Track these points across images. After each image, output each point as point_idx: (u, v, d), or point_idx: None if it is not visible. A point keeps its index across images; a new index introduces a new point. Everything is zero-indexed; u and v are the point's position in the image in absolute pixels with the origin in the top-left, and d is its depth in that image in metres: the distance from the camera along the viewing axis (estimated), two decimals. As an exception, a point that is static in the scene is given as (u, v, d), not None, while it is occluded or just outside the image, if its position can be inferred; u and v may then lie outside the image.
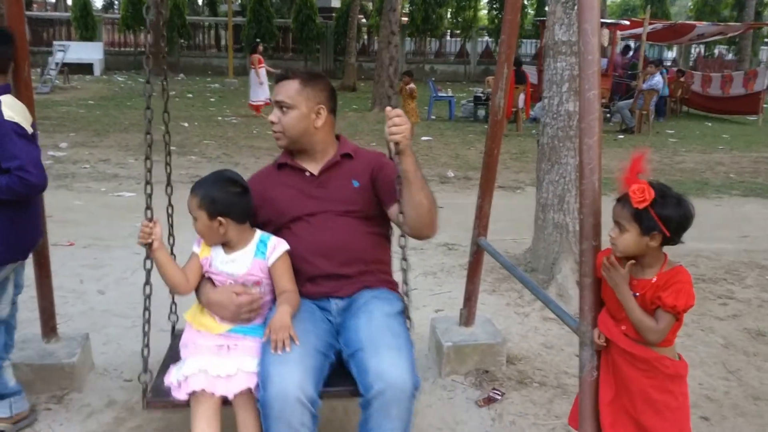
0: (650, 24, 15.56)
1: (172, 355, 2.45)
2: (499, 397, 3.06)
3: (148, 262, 2.24)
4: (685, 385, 2.02)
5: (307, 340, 2.12)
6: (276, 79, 2.52)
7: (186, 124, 12.02)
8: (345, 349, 2.21)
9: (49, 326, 3.10)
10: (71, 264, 4.68)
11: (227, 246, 2.28)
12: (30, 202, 2.58)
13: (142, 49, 21.24)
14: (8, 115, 2.38)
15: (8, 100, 2.45)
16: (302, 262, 2.35)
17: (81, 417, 2.86)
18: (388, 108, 2.16)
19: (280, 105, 2.42)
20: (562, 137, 4.35)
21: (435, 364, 3.36)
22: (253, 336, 2.21)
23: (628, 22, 17.73)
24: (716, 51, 28.58)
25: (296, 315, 2.20)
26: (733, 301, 4.39)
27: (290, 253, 2.31)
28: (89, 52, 23.13)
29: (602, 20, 17.82)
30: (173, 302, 2.64)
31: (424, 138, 11.66)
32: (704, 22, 21.03)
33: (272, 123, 2.45)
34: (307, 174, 2.49)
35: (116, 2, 39.65)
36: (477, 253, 3.29)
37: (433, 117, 14.73)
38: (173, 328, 2.71)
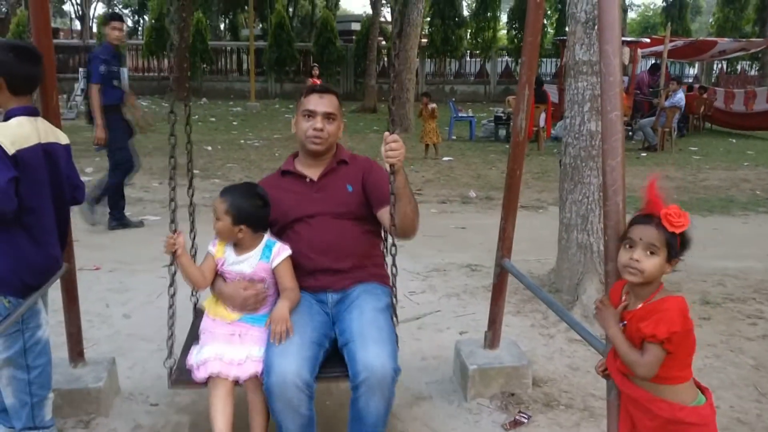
0: (671, 41, 15.50)
1: (193, 335, 2.84)
2: (525, 421, 3.03)
3: (173, 268, 2.60)
4: None
5: (304, 332, 2.49)
6: (319, 90, 2.81)
7: (209, 148, 12.16)
8: (339, 337, 2.58)
9: (76, 351, 3.14)
10: (97, 288, 4.73)
11: (238, 248, 2.63)
12: (33, 228, 2.50)
13: (165, 74, 21.62)
14: None
15: (13, 123, 2.42)
16: (303, 258, 2.70)
17: (107, 442, 2.89)
18: (386, 133, 2.42)
19: (328, 115, 2.75)
20: (585, 157, 4.34)
21: (460, 387, 3.33)
22: (260, 325, 2.59)
23: (648, 40, 17.67)
24: (739, 67, 28.34)
25: (296, 309, 2.57)
26: (762, 320, 4.32)
27: (292, 253, 2.64)
28: (114, 78, 23.49)
29: (622, 38, 17.84)
30: (193, 288, 2.86)
31: (445, 158, 11.66)
32: (726, 39, 20.90)
33: (320, 130, 2.73)
34: (308, 180, 2.83)
35: (139, 29, 40.45)
36: (501, 275, 3.28)
37: (453, 137, 14.75)
38: (194, 306, 3.05)
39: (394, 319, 2.62)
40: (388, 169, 2.47)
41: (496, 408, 3.16)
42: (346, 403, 2.57)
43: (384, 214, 2.65)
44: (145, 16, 38.51)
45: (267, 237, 2.65)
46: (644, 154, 12.76)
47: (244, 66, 28.14)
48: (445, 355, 3.66)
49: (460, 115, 15.57)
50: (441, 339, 3.96)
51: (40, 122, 2.57)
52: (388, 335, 2.50)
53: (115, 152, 6.40)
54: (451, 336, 3.86)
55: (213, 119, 17.72)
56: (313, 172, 2.83)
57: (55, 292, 3.02)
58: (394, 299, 2.63)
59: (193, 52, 25.68)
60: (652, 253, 1.85)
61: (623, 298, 1.96)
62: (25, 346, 2.58)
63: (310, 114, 2.75)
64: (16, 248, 2.46)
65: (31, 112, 2.52)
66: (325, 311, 2.72)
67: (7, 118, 2.44)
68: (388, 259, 2.67)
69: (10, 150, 2.35)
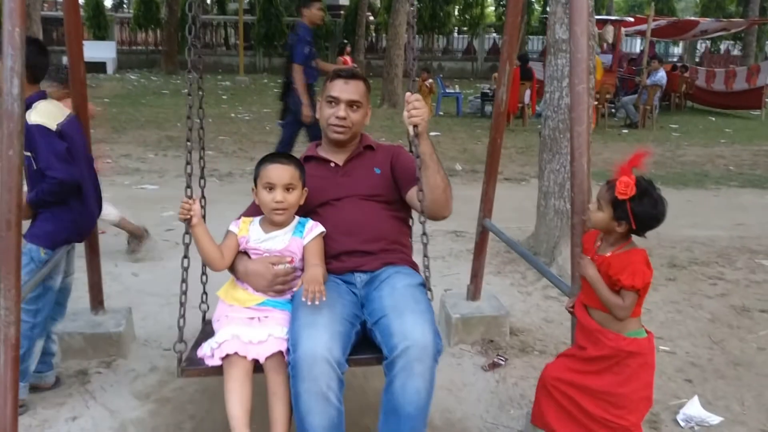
0: (654, 20, 15.81)
1: (204, 336, 2.51)
2: (503, 363, 3.39)
3: (187, 237, 2.40)
4: (635, 362, 2.18)
5: (334, 307, 2.25)
6: (345, 75, 2.65)
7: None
8: (369, 318, 2.33)
9: (97, 300, 3.45)
10: (105, 250, 4.93)
11: (268, 225, 2.48)
12: (82, 193, 2.88)
13: (153, 48, 21.50)
14: (33, 120, 2.65)
15: (41, 106, 2.74)
16: (329, 240, 2.51)
17: (128, 380, 3.20)
18: (408, 93, 2.39)
19: (352, 103, 2.62)
20: (563, 129, 4.66)
21: (445, 335, 3.68)
22: (283, 309, 2.38)
23: (632, 19, 17.97)
24: (722, 47, 28.71)
25: (324, 286, 2.29)
26: (722, 281, 4.70)
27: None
28: (102, 51, 23.52)
29: (608, 17, 18.12)
30: (204, 292, 2.63)
31: (432, 133, 11.96)
32: (708, 18, 21.25)
33: (342, 119, 2.61)
34: (332, 165, 2.70)
35: (125, 1, 40.11)
36: (482, 233, 3.62)
37: (441, 113, 15.05)
38: (204, 316, 2.72)
39: (429, 294, 2.45)
40: (411, 131, 2.40)
41: (477, 353, 3.52)
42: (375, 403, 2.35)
43: (413, 194, 2.50)
44: (131, -11, 38.24)
45: (297, 216, 2.53)
46: (625, 131, 13.14)
47: (231, 40, 28.16)
48: (432, 307, 4.00)
49: (447, 91, 15.86)
50: (427, 295, 4.30)
51: (54, 102, 2.89)
52: (426, 307, 2.29)
53: (312, 127, 6.75)
54: (437, 293, 4.14)
55: (202, 93, 17.81)
56: (338, 158, 2.71)
57: (78, 248, 3.33)
58: (428, 272, 2.49)
59: (182, 26, 25.64)
60: (599, 208, 2.20)
61: (597, 244, 2.30)
62: (38, 291, 2.80)
63: (334, 100, 2.62)
64: (68, 211, 2.85)
65: (44, 96, 2.85)
66: (353, 292, 2.49)
67: (28, 105, 2.69)
68: (419, 253, 2.56)
69: (54, 127, 2.73)
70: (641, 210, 2.12)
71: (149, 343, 3.59)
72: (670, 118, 15.51)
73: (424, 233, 2.49)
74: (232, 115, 13.87)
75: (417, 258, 2.65)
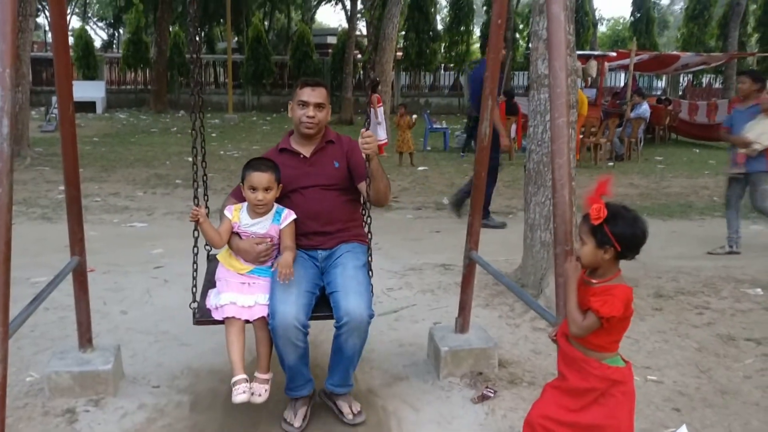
0: (637, 55, 16.12)
1: (209, 279, 3.37)
2: (491, 395, 3.40)
3: (196, 233, 3.15)
4: (618, 391, 2.25)
5: (300, 284, 3.07)
6: (311, 84, 3.33)
7: (190, 159, 12.42)
8: (327, 287, 3.18)
9: (85, 338, 3.44)
10: (93, 288, 4.91)
11: (253, 213, 3.14)
12: None
13: (142, 87, 21.67)
14: None
15: None
16: (298, 223, 3.24)
17: (116, 417, 3.19)
18: (363, 129, 3.09)
19: (319, 105, 3.31)
20: (547, 162, 4.73)
21: (434, 368, 3.69)
22: (266, 276, 3.14)
23: (615, 54, 18.30)
24: (704, 80, 29.23)
25: (294, 263, 3.09)
26: (708, 311, 4.74)
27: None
28: (91, 90, 23.69)
29: (591, 52, 18.45)
30: (206, 244, 3.30)
31: (420, 168, 12.08)
32: (689, 53, 21.67)
33: (311, 117, 3.29)
34: (301, 156, 3.39)
35: (115, 41, 40.48)
36: (469, 266, 3.65)
37: (429, 148, 15.20)
38: (208, 254, 3.53)
39: (370, 273, 3.25)
40: (364, 156, 3.14)
41: (466, 385, 3.53)
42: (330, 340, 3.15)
43: (363, 186, 3.27)
44: (120, 29, 38.61)
45: (276, 205, 3.19)
46: (611, 164, 13.29)
47: (221, 79, 28.42)
48: (420, 342, 4.02)
49: (434, 126, 16.03)
50: (416, 329, 4.32)
51: None
52: (365, 287, 3.11)
53: (493, 158, 6.82)
54: (425, 326, 4.21)
55: (191, 131, 17.92)
56: (306, 150, 3.40)
57: (67, 285, 3.35)
58: (370, 258, 3.29)
59: (171, 65, 25.93)
60: (583, 243, 2.25)
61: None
62: None
63: (304, 104, 3.29)
64: None
65: None
66: (316, 265, 3.31)
67: None
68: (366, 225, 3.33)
69: None
70: (619, 230, 2.18)
71: (137, 381, 3.57)
72: (654, 150, 15.71)
73: (369, 215, 3.32)
74: (221, 152, 13.93)
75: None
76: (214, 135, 17.44)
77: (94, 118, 21.82)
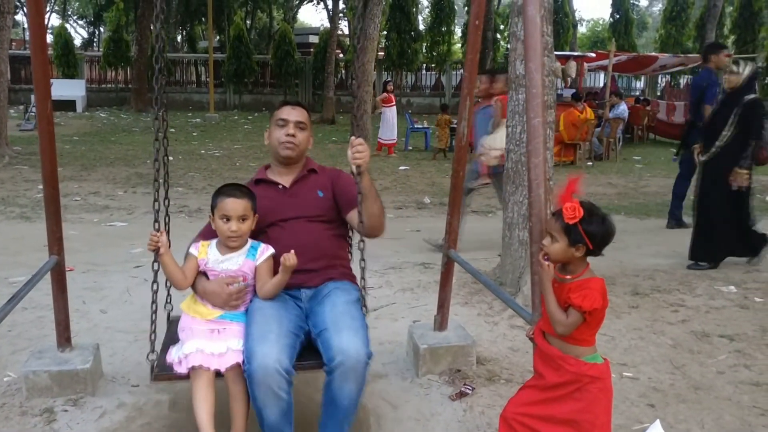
0: (615, 56, 16.29)
1: (171, 338, 2.93)
2: (469, 392, 3.43)
3: (156, 264, 2.75)
4: (595, 387, 2.28)
5: (281, 323, 2.63)
6: (291, 103, 3.08)
7: (171, 158, 12.36)
8: (313, 329, 2.72)
9: (64, 337, 3.43)
10: (72, 287, 4.90)
11: (224, 248, 2.77)
12: None
13: (123, 86, 21.59)
14: None
15: None
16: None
17: (95, 416, 3.17)
18: (353, 138, 2.71)
19: (299, 125, 3.00)
20: (525, 162, 4.78)
21: (413, 365, 3.72)
22: (239, 321, 2.71)
23: (594, 55, 18.48)
24: (682, 81, 29.55)
25: (273, 302, 2.74)
26: (683, 308, 4.82)
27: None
28: (71, 89, 23.49)
29: (570, 53, 18.61)
30: (168, 294, 3.02)
31: (401, 167, 12.12)
32: (666, 54, 21.93)
33: (292, 136, 2.97)
34: (280, 187, 3.03)
35: (95, 40, 40.14)
36: (447, 264, 3.69)
37: (410, 148, 15.26)
38: (168, 315, 3.09)
39: (364, 309, 2.83)
40: (354, 170, 2.72)
41: (444, 382, 3.56)
42: (320, 392, 2.70)
43: (353, 216, 2.88)
44: (101, 28, 38.30)
45: (251, 239, 2.81)
46: (590, 164, 13.41)
47: (202, 78, 28.29)
48: (400, 340, 4.05)
49: (415, 126, 16.09)
50: (396, 327, 4.35)
51: None
52: (360, 324, 2.66)
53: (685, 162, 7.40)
54: (405, 324, 4.24)
55: (173, 130, 17.86)
56: (285, 180, 3.04)
57: (46, 284, 3.34)
58: (363, 292, 2.86)
59: (151, 64, 25.72)
60: (553, 240, 2.28)
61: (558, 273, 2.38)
62: None
63: (284, 122, 2.98)
64: None
65: None
66: (299, 305, 2.85)
67: None
68: (357, 256, 2.91)
69: None
70: (593, 228, 2.22)
71: (117, 380, 3.56)
72: (633, 150, 15.90)
73: (363, 259, 2.86)
74: (202, 151, 13.90)
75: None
76: (195, 134, 17.41)
77: (74, 116, 21.63)
